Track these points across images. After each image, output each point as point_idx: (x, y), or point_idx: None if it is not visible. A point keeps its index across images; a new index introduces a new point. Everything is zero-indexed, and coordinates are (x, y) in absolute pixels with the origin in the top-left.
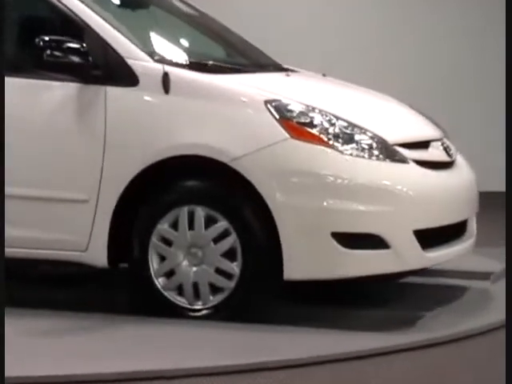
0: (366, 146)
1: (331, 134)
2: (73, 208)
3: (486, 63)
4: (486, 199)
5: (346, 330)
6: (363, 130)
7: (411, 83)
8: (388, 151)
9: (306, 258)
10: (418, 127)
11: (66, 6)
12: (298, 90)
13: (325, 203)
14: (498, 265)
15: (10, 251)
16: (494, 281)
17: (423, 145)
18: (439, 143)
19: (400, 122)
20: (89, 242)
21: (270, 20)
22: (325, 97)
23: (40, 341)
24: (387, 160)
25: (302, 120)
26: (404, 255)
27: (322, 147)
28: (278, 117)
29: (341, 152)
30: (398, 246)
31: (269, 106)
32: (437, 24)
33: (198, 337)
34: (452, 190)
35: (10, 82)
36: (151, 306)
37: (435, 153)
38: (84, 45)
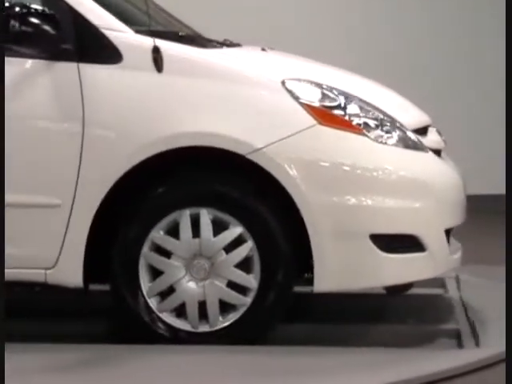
0: (395, 134)
1: (361, 119)
2: (37, 214)
3: (484, 65)
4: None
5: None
6: (386, 115)
7: (408, 81)
8: (411, 139)
9: (341, 265)
10: (415, 111)
11: None
12: (298, 68)
13: (363, 200)
14: None
15: None
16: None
17: (423, 130)
18: (433, 128)
19: (400, 105)
20: (58, 258)
21: None
22: (329, 77)
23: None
24: (414, 149)
25: (329, 103)
26: (437, 258)
27: (355, 135)
28: (300, 99)
29: (375, 140)
30: (433, 248)
31: (287, 86)
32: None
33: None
34: (461, 182)
35: None
36: (140, 331)
37: (435, 138)
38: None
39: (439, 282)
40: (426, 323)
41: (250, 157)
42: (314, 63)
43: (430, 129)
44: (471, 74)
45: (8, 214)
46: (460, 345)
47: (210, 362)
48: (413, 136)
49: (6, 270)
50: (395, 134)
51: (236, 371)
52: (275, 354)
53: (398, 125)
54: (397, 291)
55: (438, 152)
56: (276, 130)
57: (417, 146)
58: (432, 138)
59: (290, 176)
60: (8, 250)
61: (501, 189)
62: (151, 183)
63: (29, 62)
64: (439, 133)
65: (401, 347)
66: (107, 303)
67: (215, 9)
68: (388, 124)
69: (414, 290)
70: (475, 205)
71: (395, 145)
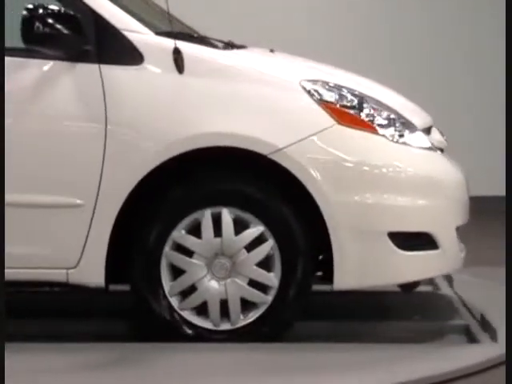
0: (408, 133)
1: (377, 118)
2: (60, 215)
3: (483, 67)
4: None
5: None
6: (399, 115)
7: (407, 83)
8: (422, 139)
9: (360, 263)
10: (420, 111)
11: None
12: (311, 69)
13: (382, 199)
14: None
15: None
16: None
17: (428, 130)
18: (435, 128)
19: (405, 106)
20: (80, 258)
21: None
22: (341, 78)
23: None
24: (425, 149)
25: (346, 103)
26: (449, 255)
27: (373, 134)
28: (318, 100)
29: (391, 140)
30: (445, 246)
31: (306, 86)
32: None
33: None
34: (465, 181)
35: None
36: (162, 330)
37: (438, 138)
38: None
39: (428, 279)
40: (431, 319)
41: (271, 157)
42: (322, 65)
43: (433, 129)
44: (472, 76)
45: (31, 214)
46: (472, 340)
47: (230, 359)
48: (424, 136)
49: (28, 270)
50: (408, 134)
51: (256, 368)
52: (293, 350)
53: (410, 125)
54: (409, 288)
55: (441, 151)
56: (296, 130)
57: (427, 146)
58: (436, 138)
59: (311, 175)
60: (30, 250)
61: (501, 190)
62: (172, 183)
63: (51, 64)
64: (441, 133)
65: (413, 343)
66: (124, 303)
67: (210, 10)
68: (401, 124)
69: None
70: (476, 206)
71: (409, 144)
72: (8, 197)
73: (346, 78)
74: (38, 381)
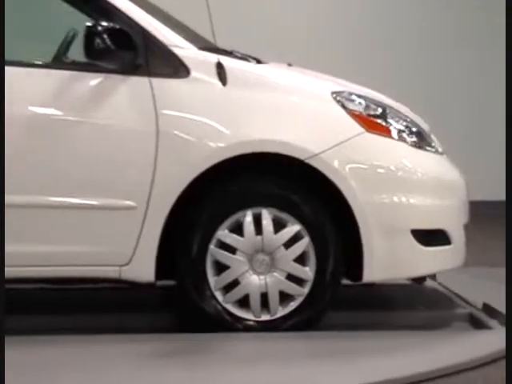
0: (423, 139)
1: (398, 126)
2: (115, 216)
3: (483, 75)
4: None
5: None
6: (414, 123)
7: (407, 90)
8: (434, 144)
9: (387, 257)
10: (420, 119)
11: None
12: (334, 82)
13: (406, 199)
14: None
15: (33, 270)
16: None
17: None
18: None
19: (407, 112)
20: (133, 255)
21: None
22: (360, 90)
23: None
24: (436, 153)
25: (372, 112)
26: (458, 250)
27: (395, 141)
28: (348, 109)
29: (411, 145)
30: (456, 242)
31: (336, 97)
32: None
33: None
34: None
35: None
36: (207, 321)
37: (438, 143)
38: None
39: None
40: (435, 309)
41: (308, 161)
42: (338, 79)
43: (432, 135)
44: (472, 81)
45: (89, 215)
46: (479, 327)
47: (271, 347)
48: (435, 141)
49: (84, 268)
50: (423, 140)
51: (293, 353)
52: (324, 337)
53: (423, 131)
54: (421, 281)
55: None
56: (330, 137)
57: (438, 151)
58: (437, 143)
59: (344, 178)
60: (87, 248)
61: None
62: (217, 186)
63: (108, 76)
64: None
65: (426, 331)
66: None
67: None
68: (417, 131)
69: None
70: (478, 211)
71: (425, 149)
72: (69, 200)
73: (364, 91)
74: (102, 368)
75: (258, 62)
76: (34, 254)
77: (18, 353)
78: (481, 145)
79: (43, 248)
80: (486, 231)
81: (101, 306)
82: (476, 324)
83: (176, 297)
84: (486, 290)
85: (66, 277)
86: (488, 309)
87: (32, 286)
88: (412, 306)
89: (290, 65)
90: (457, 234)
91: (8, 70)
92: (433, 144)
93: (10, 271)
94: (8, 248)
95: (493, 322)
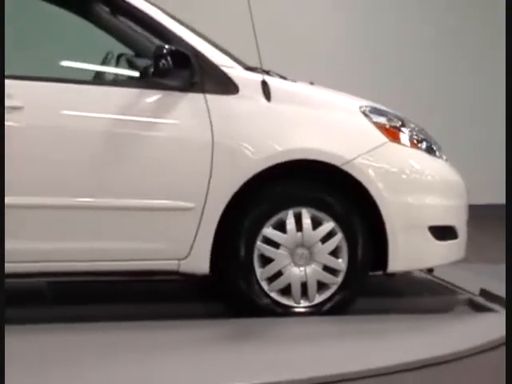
0: (431, 147)
1: (414, 136)
2: (175, 216)
3: (483, 83)
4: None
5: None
6: (426, 133)
7: (410, 98)
8: (441, 151)
9: (408, 250)
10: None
11: (158, 21)
12: (357, 98)
13: (423, 199)
14: None
15: (100, 264)
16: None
17: None
18: None
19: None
20: (191, 250)
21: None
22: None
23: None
24: (442, 159)
25: (393, 124)
26: (462, 244)
27: (413, 149)
28: (373, 121)
29: (426, 152)
30: (461, 236)
31: (363, 111)
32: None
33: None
34: None
35: (110, 91)
36: (253, 308)
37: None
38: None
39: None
40: (437, 296)
41: (343, 167)
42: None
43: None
44: (471, 88)
45: (152, 215)
46: (480, 310)
47: (310, 329)
48: (440, 148)
49: (147, 262)
50: (433, 148)
51: (328, 335)
52: (352, 321)
53: (433, 140)
54: (431, 271)
55: None
56: (360, 146)
57: (442, 157)
58: None
59: (373, 181)
60: (149, 245)
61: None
62: (262, 189)
63: (169, 93)
64: None
65: (436, 314)
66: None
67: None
68: (428, 140)
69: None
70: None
71: (436, 156)
72: (136, 202)
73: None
74: (168, 352)
75: (284, 79)
76: (107, 250)
77: (89, 337)
78: (484, 150)
79: (113, 245)
80: (486, 232)
81: (153, 296)
82: (478, 308)
83: (226, 286)
84: (479, 280)
85: (133, 270)
86: (486, 294)
87: (95, 279)
88: (417, 293)
89: (311, 83)
90: (462, 230)
91: (81, 87)
92: (439, 151)
93: (90, 265)
94: (87, 245)
95: (494, 305)
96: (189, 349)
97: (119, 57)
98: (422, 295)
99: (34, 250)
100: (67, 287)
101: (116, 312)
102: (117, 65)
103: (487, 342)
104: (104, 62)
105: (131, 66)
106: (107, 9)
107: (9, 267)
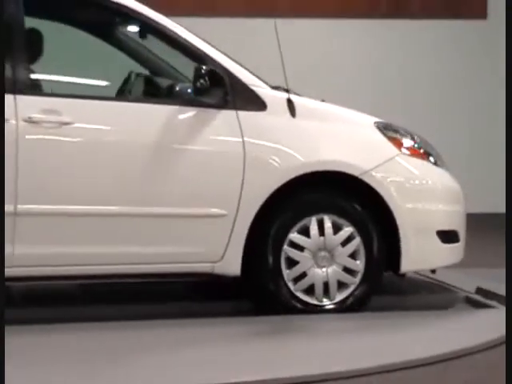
0: (437, 158)
1: (422, 148)
2: (210, 223)
3: (482, 98)
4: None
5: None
6: (430, 144)
7: (416, 114)
8: (441, 161)
9: (418, 252)
10: None
11: (194, 45)
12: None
13: (432, 206)
14: None
15: (139, 268)
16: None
17: None
18: None
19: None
20: (224, 254)
21: None
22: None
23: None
24: (445, 169)
25: (404, 138)
26: (462, 247)
27: (423, 160)
28: (387, 135)
29: (433, 164)
30: (462, 240)
31: (378, 126)
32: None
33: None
34: None
35: (151, 108)
36: (280, 306)
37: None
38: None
39: None
40: (437, 293)
41: (361, 177)
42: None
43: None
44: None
45: (190, 222)
46: (479, 306)
47: (333, 324)
48: (442, 158)
49: (184, 265)
50: (437, 159)
51: (348, 328)
52: (368, 318)
53: (437, 153)
54: (434, 271)
55: None
56: (375, 158)
57: (444, 166)
58: None
59: (387, 189)
60: (184, 249)
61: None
62: (286, 198)
63: (204, 110)
64: None
65: (439, 311)
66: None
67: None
68: (434, 152)
69: None
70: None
71: (441, 166)
72: (177, 210)
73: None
74: (198, 346)
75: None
76: (148, 254)
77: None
78: (483, 163)
79: (154, 249)
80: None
81: (183, 296)
82: (476, 304)
83: (255, 286)
84: (472, 281)
85: (171, 272)
86: (482, 292)
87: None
88: (418, 292)
89: (323, 100)
90: (462, 234)
91: (124, 104)
92: (441, 161)
93: (133, 268)
94: (131, 249)
95: (491, 302)
96: (222, 343)
97: (138, 75)
98: (423, 294)
99: (88, 253)
100: (96, 288)
101: (152, 311)
102: (137, 83)
103: (493, 339)
104: (127, 81)
105: (151, 84)
106: (137, 32)
107: (62, 270)
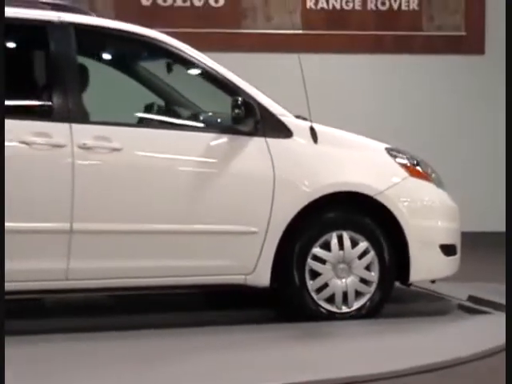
0: (438, 180)
1: (428, 172)
2: (243, 239)
3: (483, 122)
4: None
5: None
6: (432, 168)
7: (421, 140)
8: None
9: (425, 264)
10: None
11: (229, 79)
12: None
13: (436, 223)
14: None
15: (181, 280)
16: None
17: None
18: None
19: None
20: (255, 267)
21: None
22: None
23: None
24: (443, 188)
25: (411, 162)
26: (458, 259)
27: (427, 182)
28: (396, 160)
29: (435, 185)
30: (458, 253)
31: (389, 151)
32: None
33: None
34: None
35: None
36: (304, 313)
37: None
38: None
39: None
40: (432, 302)
41: (376, 197)
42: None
43: None
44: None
45: (225, 238)
46: (473, 312)
47: (352, 328)
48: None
49: (220, 277)
50: (439, 181)
51: (363, 332)
52: (383, 323)
53: (437, 174)
54: (433, 283)
55: None
56: (388, 180)
57: (444, 187)
58: None
59: (399, 208)
60: (220, 262)
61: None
62: (311, 216)
63: (238, 137)
64: None
65: (438, 317)
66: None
67: None
68: (435, 175)
69: None
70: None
71: (441, 187)
72: (213, 227)
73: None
74: (231, 351)
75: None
76: (187, 267)
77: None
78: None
79: (192, 263)
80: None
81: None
82: (469, 311)
83: (282, 296)
84: (461, 290)
85: (208, 284)
86: (473, 299)
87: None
88: (415, 300)
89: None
90: (459, 247)
91: (169, 132)
92: (441, 183)
93: (175, 280)
94: (172, 263)
95: (484, 308)
96: (254, 347)
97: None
98: (421, 302)
99: (135, 267)
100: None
101: (189, 319)
102: (177, 112)
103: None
104: (168, 110)
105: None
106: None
107: (112, 282)
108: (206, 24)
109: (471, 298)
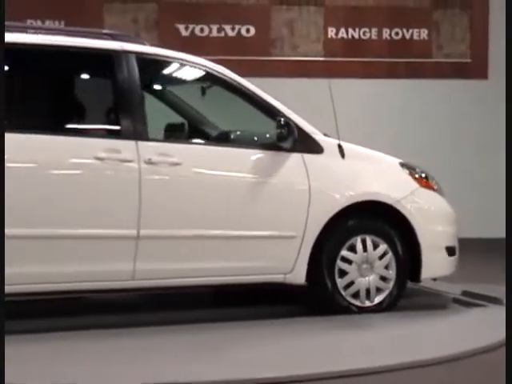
0: (441, 190)
1: (434, 183)
2: (283, 242)
3: (484, 133)
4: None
5: None
6: (435, 179)
7: (422, 148)
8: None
9: (433, 263)
10: None
11: (270, 102)
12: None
13: (443, 227)
14: None
15: (229, 279)
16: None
17: None
18: None
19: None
20: (293, 267)
21: None
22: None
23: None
24: (444, 196)
25: (421, 174)
26: (456, 259)
27: (433, 192)
28: (409, 173)
29: (440, 194)
30: (457, 253)
31: (402, 165)
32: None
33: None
34: None
35: (243, 152)
36: (333, 308)
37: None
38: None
39: None
40: (430, 296)
41: (394, 205)
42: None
43: None
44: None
45: (267, 242)
46: (469, 305)
47: (370, 320)
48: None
49: (259, 276)
50: (441, 190)
51: (382, 324)
52: (397, 317)
53: (438, 184)
54: (434, 280)
55: None
56: (403, 190)
57: (444, 195)
58: None
59: (413, 215)
60: (262, 263)
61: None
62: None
63: (280, 153)
64: None
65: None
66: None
67: None
68: (437, 184)
69: None
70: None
71: (442, 195)
72: (256, 233)
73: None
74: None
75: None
76: (232, 268)
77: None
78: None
79: (237, 264)
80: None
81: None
82: (466, 304)
83: (315, 292)
84: (455, 287)
85: (251, 283)
86: (467, 294)
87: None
88: (414, 295)
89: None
90: (457, 248)
91: (223, 149)
92: (442, 192)
93: (219, 280)
94: (218, 264)
95: (478, 301)
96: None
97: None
98: (422, 296)
99: (192, 268)
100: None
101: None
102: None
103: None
104: (203, 129)
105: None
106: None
107: (173, 282)
108: (239, 52)
109: (465, 293)
